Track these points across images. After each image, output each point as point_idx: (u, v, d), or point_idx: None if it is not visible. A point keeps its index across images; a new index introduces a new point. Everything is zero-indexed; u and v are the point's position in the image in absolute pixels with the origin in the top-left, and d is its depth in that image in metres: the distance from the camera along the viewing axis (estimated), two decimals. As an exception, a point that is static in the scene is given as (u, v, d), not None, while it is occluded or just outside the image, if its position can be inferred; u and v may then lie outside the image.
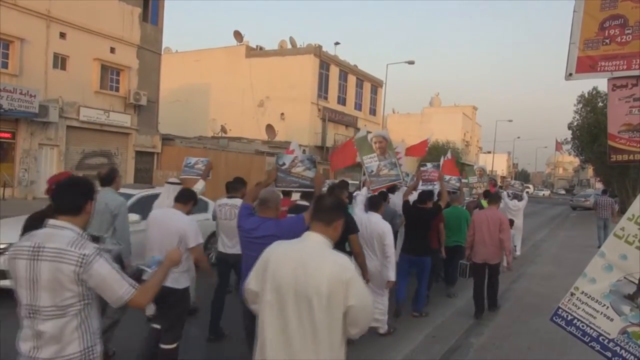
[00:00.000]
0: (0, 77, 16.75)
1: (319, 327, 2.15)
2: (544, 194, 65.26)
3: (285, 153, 6.51)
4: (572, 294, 3.29)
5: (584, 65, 3.73)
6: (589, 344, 3.21)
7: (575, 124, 30.64)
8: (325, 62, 35.05)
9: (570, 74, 3.79)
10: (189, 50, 39.12)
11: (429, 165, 7.99)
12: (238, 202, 4.95)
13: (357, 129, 39.31)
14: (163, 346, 3.88)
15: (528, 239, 14.59)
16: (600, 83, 33.44)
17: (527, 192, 17.90)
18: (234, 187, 5.54)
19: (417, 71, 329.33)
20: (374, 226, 5.25)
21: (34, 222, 3.08)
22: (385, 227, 5.24)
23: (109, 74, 21.16)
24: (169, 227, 3.95)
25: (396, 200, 7.82)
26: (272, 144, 30.90)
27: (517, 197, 12.05)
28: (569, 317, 3.28)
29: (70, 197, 2.29)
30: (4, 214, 8.65)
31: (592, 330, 3.19)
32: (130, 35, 21.64)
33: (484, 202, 9.35)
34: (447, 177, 8.35)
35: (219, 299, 5.23)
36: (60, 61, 19.01)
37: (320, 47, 34.31)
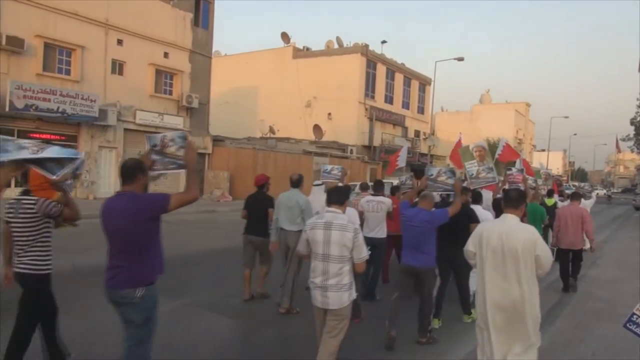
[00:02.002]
0: (63, 84, 17.72)
1: (522, 268, 3.48)
2: (598, 194, 61.80)
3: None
4: (647, 300, 3.10)
5: (658, 56, 3.51)
6: (667, 353, 3.02)
7: (638, 119, 29.11)
8: (372, 61, 34.86)
9: (643, 66, 3.57)
10: (238, 53, 39.93)
11: (514, 169, 9.32)
12: (382, 198, 6.87)
13: (405, 128, 38.98)
14: None
15: (588, 241, 13.94)
16: (666, 75, 31.47)
17: (596, 194, 19.07)
18: (377, 187, 7.27)
19: (467, 68, 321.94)
20: (481, 215, 6.40)
21: (252, 197, 6.48)
22: (489, 216, 6.47)
23: (163, 78, 21.93)
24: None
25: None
26: (320, 144, 30.99)
27: (584, 196, 12.89)
28: (645, 324, 3.10)
29: (338, 195, 3.99)
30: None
31: (670, 339, 2.99)
32: (183, 40, 22.34)
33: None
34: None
35: (377, 271, 6.86)
36: (117, 67, 19.88)
37: (367, 46, 34.13)
